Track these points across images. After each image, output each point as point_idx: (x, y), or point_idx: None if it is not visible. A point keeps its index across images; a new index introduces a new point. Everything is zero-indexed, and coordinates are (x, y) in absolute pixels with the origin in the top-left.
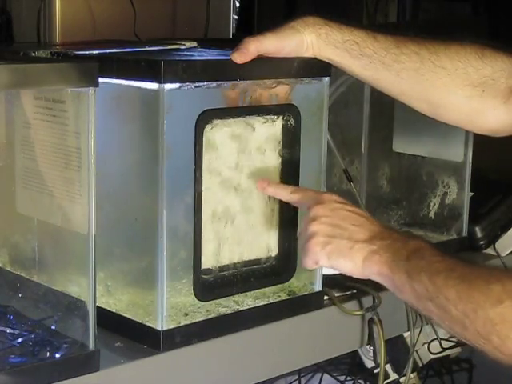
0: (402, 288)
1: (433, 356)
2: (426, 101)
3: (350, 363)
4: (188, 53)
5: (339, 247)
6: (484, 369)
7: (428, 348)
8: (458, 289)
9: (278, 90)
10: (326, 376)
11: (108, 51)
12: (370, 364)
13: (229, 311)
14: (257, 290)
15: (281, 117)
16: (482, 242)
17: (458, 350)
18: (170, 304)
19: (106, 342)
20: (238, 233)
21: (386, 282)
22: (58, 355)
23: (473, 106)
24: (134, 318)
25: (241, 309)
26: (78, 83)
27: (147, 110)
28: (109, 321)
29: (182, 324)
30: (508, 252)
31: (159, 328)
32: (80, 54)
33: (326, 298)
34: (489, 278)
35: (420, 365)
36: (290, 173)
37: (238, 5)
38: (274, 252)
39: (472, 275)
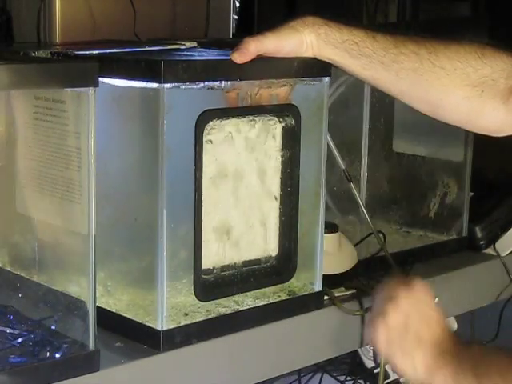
0: None
1: None
2: (426, 101)
3: (350, 363)
4: (188, 53)
5: (403, 345)
6: None
7: None
8: None
9: (278, 90)
10: (326, 376)
11: (108, 51)
12: (369, 364)
13: (229, 311)
14: (257, 290)
15: (281, 117)
16: (482, 242)
17: None
18: (170, 304)
19: (106, 342)
20: (238, 233)
21: None
22: (57, 355)
23: (472, 106)
24: (134, 318)
25: (241, 309)
26: (78, 83)
27: (147, 110)
28: (109, 321)
29: (182, 324)
30: (508, 252)
31: (159, 328)
32: (80, 54)
33: (326, 298)
34: None
35: None
36: (290, 173)
37: (237, 5)
38: (274, 252)
39: None
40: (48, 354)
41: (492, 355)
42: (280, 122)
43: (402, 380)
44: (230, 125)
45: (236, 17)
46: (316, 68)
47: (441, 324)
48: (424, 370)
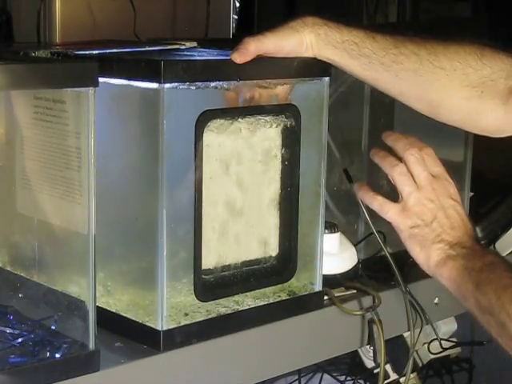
0: (467, 297)
1: (433, 356)
2: (425, 101)
3: (350, 363)
4: (188, 53)
5: (424, 237)
6: (484, 369)
7: (428, 348)
8: None
9: (278, 90)
10: (326, 376)
11: (108, 51)
12: (370, 364)
13: (229, 311)
14: (257, 290)
15: (281, 117)
16: (482, 242)
17: (457, 349)
18: (170, 304)
19: (106, 342)
20: (239, 233)
21: (452, 288)
22: (57, 355)
23: (472, 107)
24: (133, 318)
25: (241, 309)
26: (78, 83)
27: (147, 110)
28: (109, 321)
29: (182, 324)
30: (508, 252)
31: (159, 328)
32: (80, 54)
33: (326, 298)
34: None
35: (420, 365)
36: (289, 173)
37: (237, 5)
38: (274, 252)
39: None
40: (48, 354)
41: (497, 272)
42: (280, 121)
43: (401, 380)
44: (229, 125)
45: (236, 17)
46: (316, 68)
47: (463, 227)
48: (436, 263)
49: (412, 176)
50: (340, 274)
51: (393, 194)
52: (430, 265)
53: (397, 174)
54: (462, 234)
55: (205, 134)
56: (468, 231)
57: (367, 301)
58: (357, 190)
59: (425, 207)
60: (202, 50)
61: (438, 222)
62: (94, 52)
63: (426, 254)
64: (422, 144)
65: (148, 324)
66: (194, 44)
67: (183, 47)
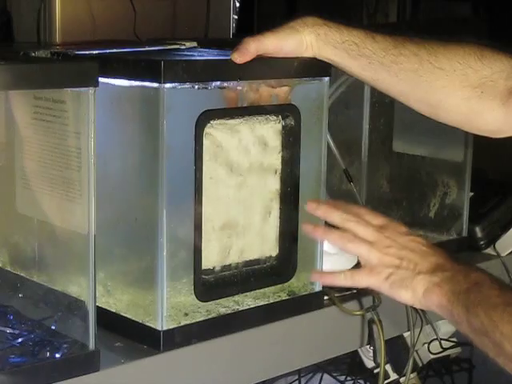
0: (459, 321)
1: (433, 356)
2: (425, 102)
3: (350, 363)
4: (188, 53)
5: (402, 278)
6: (484, 369)
7: (428, 348)
8: None
9: (278, 90)
10: (326, 376)
11: (108, 51)
12: (370, 364)
13: (229, 311)
14: (257, 290)
15: (281, 117)
16: (482, 242)
17: (458, 349)
18: (170, 304)
19: (106, 342)
20: (239, 233)
21: (445, 314)
22: (58, 355)
23: (471, 108)
24: (133, 318)
25: (241, 309)
26: (78, 83)
27: (147, 110)
28: (109, 321)
29: (182, 324)
30: (508, 252)
31: (159, 328)
32: (80, 54)
33: (325, 298)
34: None
35: (420, 365)
36: (290, 173)
37: (238, 5)
38: (274, 252)
39: None
40: (48, 354)
41: (484, 291)
42: (280, 121)
43: (401, 380)
44: (229, 125)
45: (236, 17)
46: (316, 68)
47: (434, 253)
48: (423, 295)
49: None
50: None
51: (393, 194)
52: (418, 298)
53: (347, 243)
54: (436, 258)
55: (205, 134)
56: (441, 254)
57: (367, 301)
58: (321, 279)
59: (387, 255)
60: (202, 49)
61: (408, 259)
62: (94, 52)
63: (412, 291)
64: (353, 206)
65: (148, 324)
66: (194, 44)
67: (183, 47)
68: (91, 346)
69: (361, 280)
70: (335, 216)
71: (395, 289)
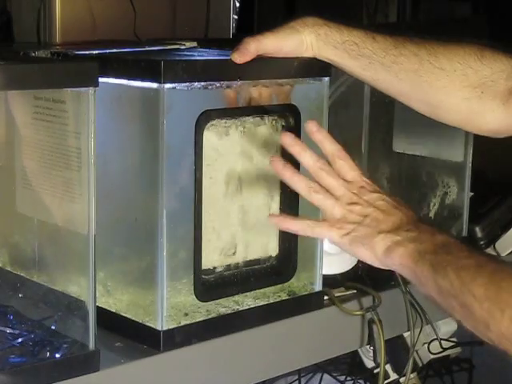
0: (424, 282)
1: (433, 356)
2: (425, 102)
3: (350, 363)
4: (188, 53)
5: (363, 235)
6: (484, 369)
7: (428, 348)
8: (487, 287)
9: (278, 90)
10: (326, 376)
11: (108, 51)
12: (370, 364)
13: (229, 311)
14: (257, 290)
15: (281, 117)
16: (481, 242)
17: (457, 349)
18: (170, 304)
19: (106, 342)
20: (239, 233)
21: (408, 275)
22: (58, 355)
23: (472, 108)
24: (133, 318)
25: (241, 309)
26: (78, 83)
27: (147, 110)
28: (109, 321)
29: (182, 324)
30: (508, 252)
31: (159, 328)
32: (80, 54)
33: (325, 298)
34: None
35: (420, 365)
36: None
37: (238, 5)
38: (274, 252)
39: (502, 274)
40: (48, 354)
41: (453, 253)
42: (280, 121)
43: (401, 380)
44: (229, 125)
45: (236, 17)
46: (316, 68)
47: (400, 211)
48: (383, 253)
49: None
50: (340, 274)
51: (393, 194)
52: (378, 257)
53: (313, 194)
54: (400, 217)
55: (205, 134)
56: (407, 213)
57: (367, 301)
58: (279, 222)
59: (351, 212)
60: (202, 50)
61: (371, 217)
62: (94, 52)
63: (371, 249)
64: (335, 149)
65: (148, 324)
66: (194, 44)
67: (183, 47)
68: (91, 345)
69: (321, 232)
70: (308, 157)
71: (354, 245)
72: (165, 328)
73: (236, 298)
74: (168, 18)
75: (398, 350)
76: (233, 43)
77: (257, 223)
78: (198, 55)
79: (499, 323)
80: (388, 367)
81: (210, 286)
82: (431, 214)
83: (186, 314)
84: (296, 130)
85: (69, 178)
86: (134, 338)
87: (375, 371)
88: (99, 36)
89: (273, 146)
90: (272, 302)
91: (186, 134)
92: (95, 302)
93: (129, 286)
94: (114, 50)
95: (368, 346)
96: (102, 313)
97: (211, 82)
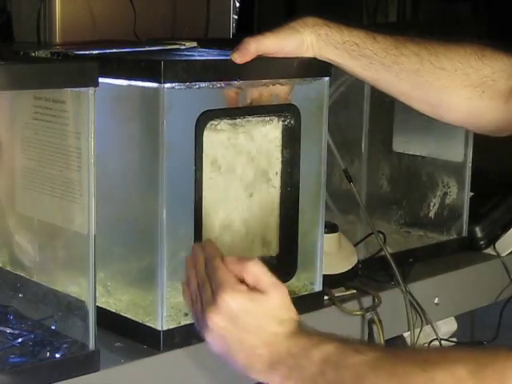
0: None
1: None
2: (426, 101)
3: None
4: (188, 53)
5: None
6: None
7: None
8: None
9: (278, 90)
10: None
11: (108, 51)
12: None
13: None
14: None
15: (281, 117)
16: (482, 242)
17: None
18: (170, 304)
19: (106, 342)
20: (238, 233)
21: None
22: (58, 355)
23: (472, 107)
24: (134, 318)
25: None
26: (78, 83)
27: (147, 110)
28: (109, 321)
29: (182, 324)
30: (508, 252)
31: (159, 328)
32: (80, 54)
33: (326, 298)
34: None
35: None
36: (290, 173)
37: (237, 5)
38: (274, 252)
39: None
40: (48, 354)
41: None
42: (280, 121)
43: None
44: (230, 125)
45: (236, 17)
46: (316, 68)
47: (267, 326)
48: (263, 376)
49: None
50: (340, 274)
51: (393, 194)
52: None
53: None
54: (273, 348)
55: (205, 134)
56: (276, 334)
57: (367, 301)
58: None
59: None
60: (202, 50)
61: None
62: (94, 52)
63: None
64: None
65: (148, 324)
66: (194, 44)
67: (183, 47)
68: (91, 345)
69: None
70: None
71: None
72: (165, 328)
73: None
74: (168, 17)
75: None
76: (233, 43)
77: (257, 223)
78: (198, 55)
79: None
80: None
81: None
82: (431, 214)
83: (186, 314)
84: (296, 130)
85: (69, 178)
86: (134, 337)
87: None
88: (99, 36)
89: (273, 145)
90: None
91: (186, 134)
92: (95, 302)
93: (129, 286)
94: (114, 50)
95: None
96: (101, 313)
97: (211, 82)
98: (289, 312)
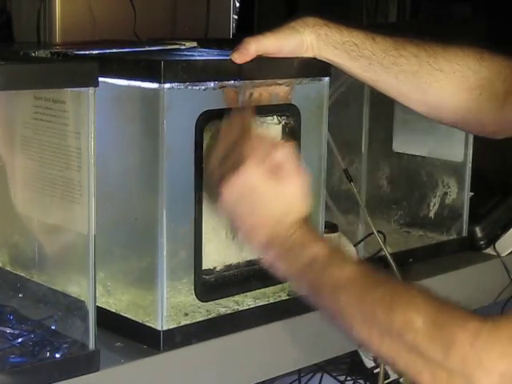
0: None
1: None
2: (424, 103)
3: (350, 363)
4: (188, 53)
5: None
6: None
7: None
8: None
9: (278, 90)
10: (326, 376)
11: (108, 51)
12: (370, 364)
13: (229, 311)
14: (257, 290)
15: (281, 117)
16: (481, 242)
17: None
18: (170, 304)
19: (106, 342)
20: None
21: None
22: (58, 355)
23: (470, 109)
24: (133, 318)
25: (241, 309)
26: (78, 83)
27: (147, 110)
28: (109, 321)
29: (182, 324)
30: (508, 252)
31: (159, 328)
32: (80, 54)
33: None
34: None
35: None
36: None
37: (237, 5)
38: None
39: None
40: (48, 354)
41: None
42: (280, 121)
43: (401, 380)
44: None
45: (236, 17)
46: (316, 68)
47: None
48: (259, 249)
49: None
50: None
51: (393, 194)
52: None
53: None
54: (272, 229)
55: (205, 134)
56: (280, 221)
57: None
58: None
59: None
60: (202, 50)
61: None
62: (94, 52)
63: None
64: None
65: (148, 324)
66: (194, 44)
67: (183, 47)
68: (91, 345)
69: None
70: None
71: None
72: (165, 328)
73: (236, 298)
74: (168, 17)
75: None
76: (233, 43)
77: None
78: (198, 55)
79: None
80: (388, 367)
81: (210, 286)
82: (431, 214)
83: (186, 314)
84: (296, 129)
85: (69, 178)
86: (134, 337)
87: (375, 371)
88: (99, 36)
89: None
90: (272, 301)
91: (186, 134)
92: (95, 302)
93: (129, 286)
94: (114, 50)
95: None
96: (101, 313)
97: (211, 82)
98: (300, 203)
